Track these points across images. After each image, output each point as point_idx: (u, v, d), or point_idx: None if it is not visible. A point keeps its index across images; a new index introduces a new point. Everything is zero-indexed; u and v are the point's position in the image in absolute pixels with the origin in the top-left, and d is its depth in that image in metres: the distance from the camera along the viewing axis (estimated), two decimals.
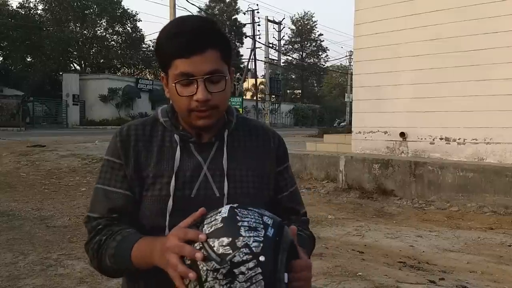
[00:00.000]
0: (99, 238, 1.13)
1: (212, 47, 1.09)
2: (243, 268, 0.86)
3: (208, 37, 1.10)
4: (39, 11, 38.05)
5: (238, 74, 42.87)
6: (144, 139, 1.19)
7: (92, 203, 1.20)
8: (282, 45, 56.42)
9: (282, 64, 56.35)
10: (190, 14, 1.20)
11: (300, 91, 69.21)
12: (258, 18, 43.76)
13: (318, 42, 68.25)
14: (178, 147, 1.17)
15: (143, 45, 41.82)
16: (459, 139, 7.65)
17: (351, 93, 11.88)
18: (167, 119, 1.21)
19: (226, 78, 1.13)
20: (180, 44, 1.08)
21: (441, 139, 7.85)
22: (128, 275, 1.20)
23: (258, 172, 1.22)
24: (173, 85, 1.11)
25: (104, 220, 1.15)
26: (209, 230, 0.91)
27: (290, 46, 67.32)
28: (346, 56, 53.28)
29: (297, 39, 67.45)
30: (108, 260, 1.10)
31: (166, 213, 1.12)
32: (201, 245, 0.90)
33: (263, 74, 47.30)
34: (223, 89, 1.12)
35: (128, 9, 40.59)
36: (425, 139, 8.02)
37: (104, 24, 40.03)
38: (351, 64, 40.85)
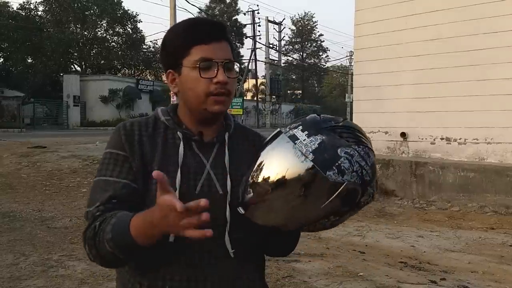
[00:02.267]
0: (93, 225, 1.09)
1: (226, 40, 1.20)
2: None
3: (223, 30, 1.21)
4: (39, 13, 38.10)
5: (238, 74, 42.78)
6: (147, 135, 1.20)
7: (91, 196, 1.15)
8: (282, 45, 56.41)
9: (282, 65, 56.34)
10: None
11: (300, 91, 69.17)
12: (259, 18, 43.76)
13: (319, 42, 68.20)
14: (181, 143, 1.19)
15: (144, 46, 41.85)
16: (459, 139, 7.64)
17: (352, 94, 11.87)
18: (169, 117, 1.23)
19: (237, 66, 1.22)
20: (201, 31, 1.17)
21: (441, 139, 7.84)
22: (126, 272, 1.17)
23: None
24: (197, 66, 1.14)
25: (102, 207, 1.11)
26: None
27: (291, 47, 67.28)
28: (347, 56, 53.23)
29: (297, 40, 67.41)
30: (107, 244, 1.05)
31: None
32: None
33: (264, 74, 47.34)
34: (236, 76, 1.21)
35: (128, 10, 40.60)
36: (426, 139, 8.01)
37: (105, 25, 40.05)
38: (352, 64, 40.87)
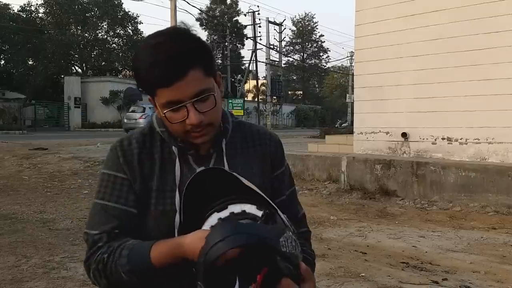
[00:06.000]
0: (100, 257, 1.07)
1: (193, 67, 1.04)
2: None
3: (186, 58, 1.03)
4: (40, 15, 38.24)
5: (239, 75, 42.93)
6: (145, 151, 1.16)
7: (91, 219, 1.14)
8: (283, 46, 56.48)
9: (283, 65, 56.37)
10: (165, 31, 1.12)
11: (301, 92, 69.22)
12: (259, 19, 43.73)
13: (319, 43, 68.30)
14: (177, 160, 1.14)
15: None
16: (461, 139, 7.63)
17: (353, 94, 11.87)
18: (164, 129, 1.17)
19: (215, 95, 1.08)
20: (159, 74, 1.02)
21: (443, 139, 7.84)
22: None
23: (257, 178, 1.20)
24: (163, 115, 1.07)
25: (105, 235, 1.09)
26: None
27: (291, 47, 67.37)
28: (347, 56, 53.32)
29: (298, 40, 67.49)
30: (121, 269, 1.03)
31: (174, 229, 1.09)
32: None
33: (264, 75, 47.42)
34: (214, 106, 1.08)
35: (129, 11, 40.78)
36: (427, 139, 8.00)
37: (105, 26, 40.16)
38: (352, 64, 40.85)
